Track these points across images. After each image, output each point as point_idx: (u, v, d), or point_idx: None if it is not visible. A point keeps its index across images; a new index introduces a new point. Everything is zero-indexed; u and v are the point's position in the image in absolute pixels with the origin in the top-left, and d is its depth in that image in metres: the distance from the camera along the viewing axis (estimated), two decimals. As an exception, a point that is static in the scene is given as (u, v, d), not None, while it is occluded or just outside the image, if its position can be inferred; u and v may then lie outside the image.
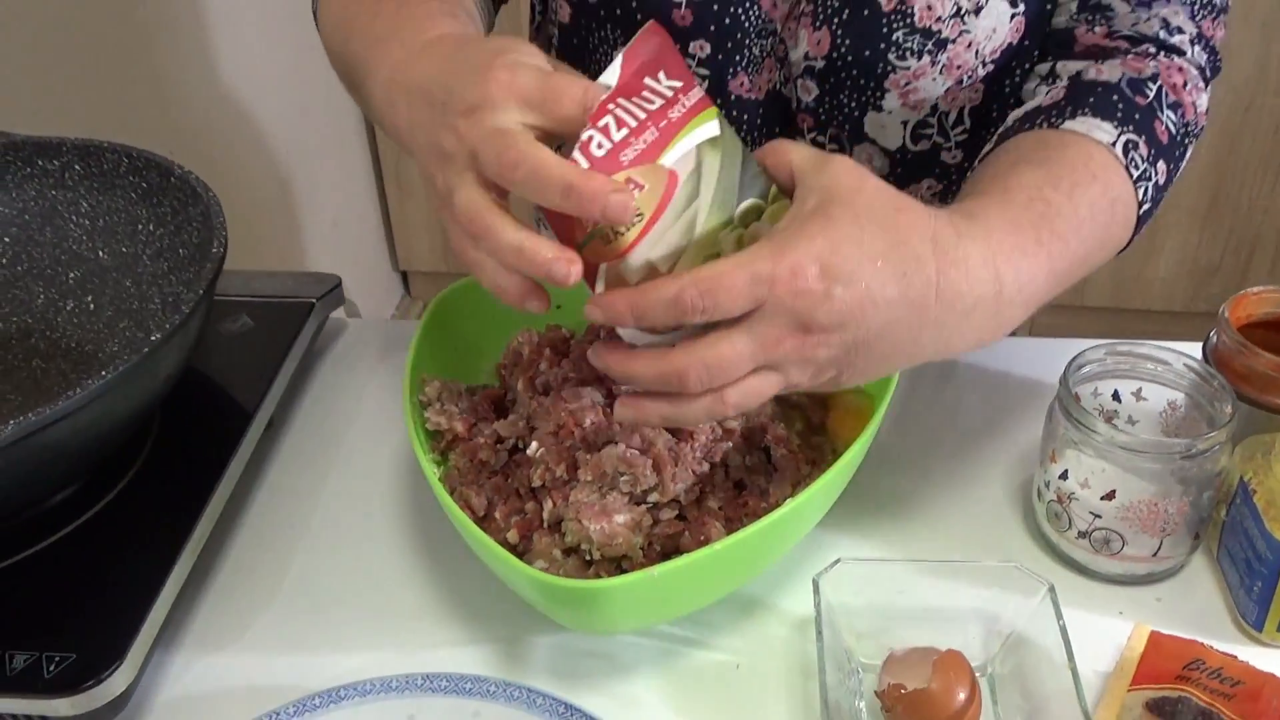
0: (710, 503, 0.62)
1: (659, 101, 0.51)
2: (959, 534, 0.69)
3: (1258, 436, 0.65)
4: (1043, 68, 0.74)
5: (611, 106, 0.51)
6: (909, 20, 0.71)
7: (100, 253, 0.78)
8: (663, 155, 0.51)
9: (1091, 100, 0.67)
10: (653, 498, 0.61)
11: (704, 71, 0.75)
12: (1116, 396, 0.69)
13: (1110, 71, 0.70)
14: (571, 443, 0.63)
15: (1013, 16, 0.72)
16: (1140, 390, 0.69)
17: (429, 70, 0.56)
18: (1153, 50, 0.71)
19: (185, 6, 1.64)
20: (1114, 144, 0.65)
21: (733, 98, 0.76)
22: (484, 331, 0.75)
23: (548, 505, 0.62)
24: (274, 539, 0.71)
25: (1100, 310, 2.13)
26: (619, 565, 0.60)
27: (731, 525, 0.62)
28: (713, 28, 0.73)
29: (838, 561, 0.61)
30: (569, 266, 0.50)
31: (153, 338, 0.61)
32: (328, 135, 2.06)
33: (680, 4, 0.72)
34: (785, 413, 0.67)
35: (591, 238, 0.51)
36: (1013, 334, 0.94)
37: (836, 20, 0.72)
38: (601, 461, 0.61)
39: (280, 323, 0.80)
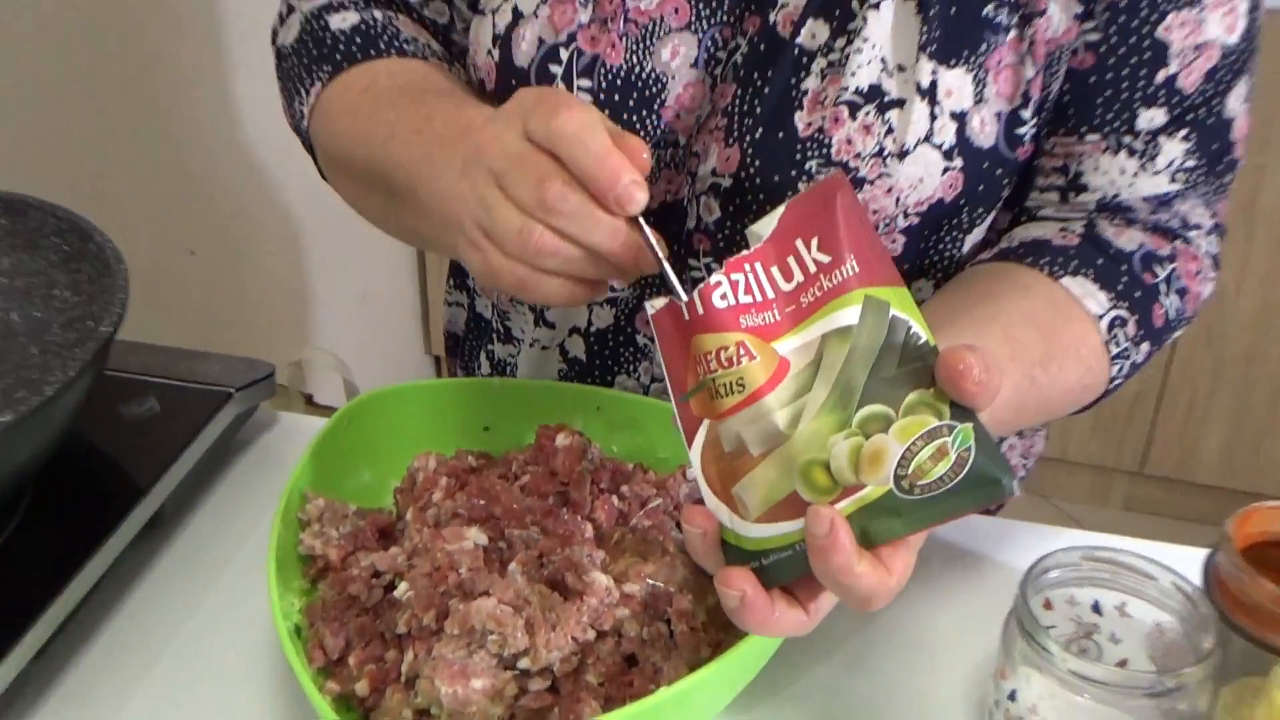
0: (589, 677, 0.60)
1: (796, 279, 0.53)
2: (894, 746, 0.65)
3: (1247, 679, 0.60)
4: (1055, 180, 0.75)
5: (751, 266, 0.53)
6: (824, 151, 0.70)
7: (12, 314, 0.79)
8: (779, 340, 0.53)
9: (1099, 263, 0.71)
10: (523, 663, 0.59)
11: None
12: (1097, 608, 0.66)
13: (1129, 239, 0.73)
14: (445, 588, 0.61)
15: (946, 171, 0.71)
16: (1125, 605, 0.65)
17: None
18: (1174, 233, 0.74)
19: (212, 73, 1.70)
20: (1101, 317, 0.69)
21: None
22: (399, 446, 0.75)
23: (408, 656, 0.60)
24: (138, 647, 0.70)
25: (1206, 489, 2.05)
26: (471, 737, 0.58)
27: (610, 705, 0.59)
28: None
29: (724, 766, 0.57)
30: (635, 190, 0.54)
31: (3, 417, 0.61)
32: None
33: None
34: (699, 583, 0.64)
35: (700, 388, 0.53)
36: (997, 513, 0.92)
37: (749, 139, 0.71)
38: (470, 615, 0.59)
39: (190, 410, 0.80)
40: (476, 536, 0.63)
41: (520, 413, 0.76)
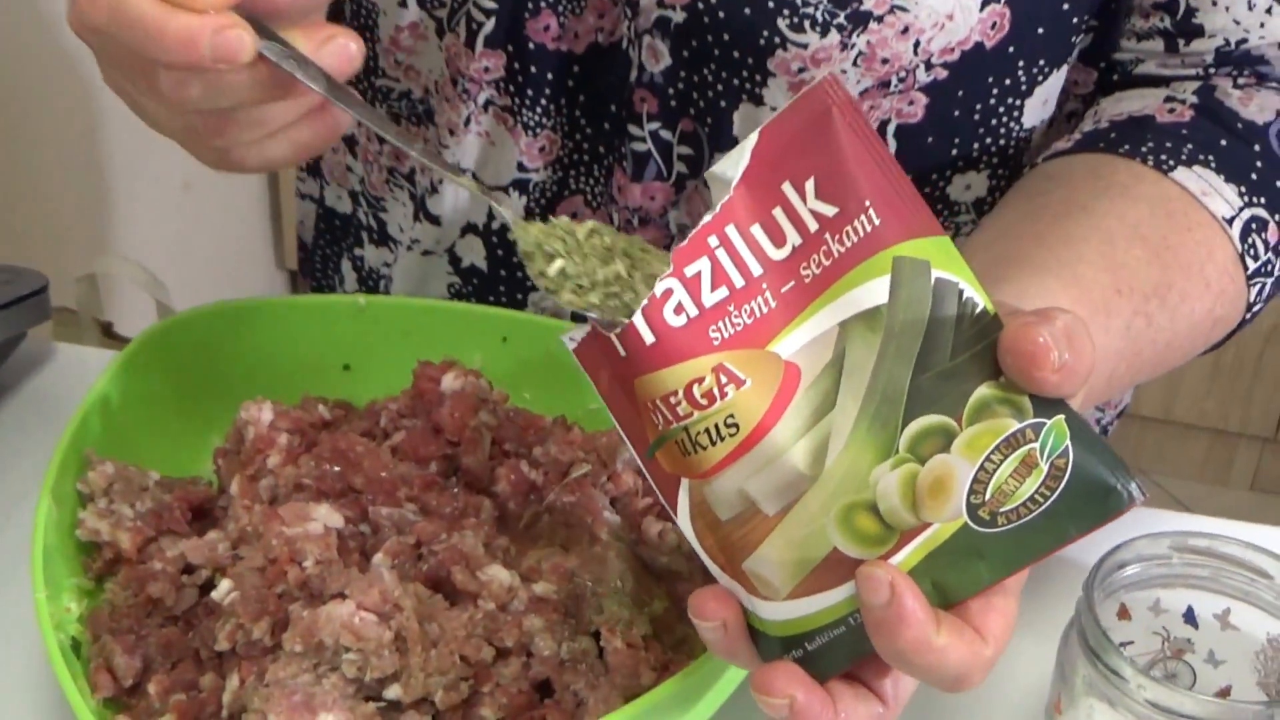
0: (485, 711, 0.61)
1: (791, 243, 0.51)
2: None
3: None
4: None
5: (714, 242, 0.51)
6: None
7: None
8: (777, 340, 0.51)
9: (1223, 145, 0.72)
10: (392, 693, 0.60)
11: (490, 4, 0.77)
12: (1191, 617, 0.68)
13: (1261, 106, 0.73)
14: (284, 589, 0.62)
15: (986, 4, 0.71)
16: (1229, 612, 0.67)
17: None
18: None
19: None
20: (1232, 221, 0.70)
21: (531, 47, 0.78)
22: (222, 390, 0.75)
23: (232, 682, 0.61)
24: None
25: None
26: (319, 795, 0.59)
27: None
28: None
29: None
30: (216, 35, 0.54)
31: None
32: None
33: None
34: (641, 582, 0.66)
35: (663, 441, 0.52)
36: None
37: None
38: (318, 625, 0.59)
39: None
40: (328, 517, 0.64)
41: (394, 344, 0.77)
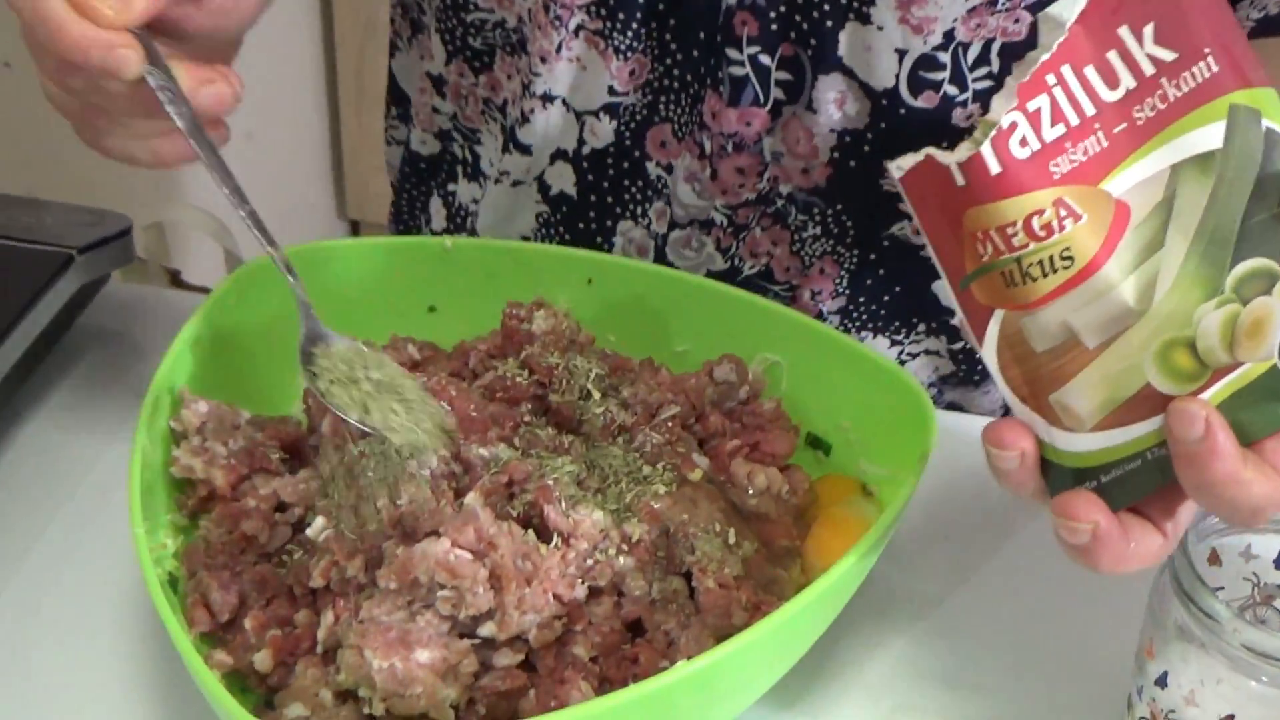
0: (578, 649, 0.61)
1: (1125, 85, 0.52)
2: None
3: None
4: None
5: (1051, 80, 0.52)
6: None
7: None
8: (1109, 178, 0.52)
9: None
10: (486, 630, 0.60)
11: None
12: None
13: None
14: (378, 526, 0.62)
15: None
16: None
17: None
18: None
19: None
20: None
21: None
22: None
23: (326, 618, 0.61)
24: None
25: None
26: (414, 730, 0.60)
27: (606, 688, 0.60)
28: None
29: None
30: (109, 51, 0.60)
31: None
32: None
33: None
34: (732, 523, 0.66)
35: (986, 270, 0.53)
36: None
37: None
38: (413, 563, 0.60)
39: (13, 279, 0.80)
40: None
41: (478, 286, 0.77)
